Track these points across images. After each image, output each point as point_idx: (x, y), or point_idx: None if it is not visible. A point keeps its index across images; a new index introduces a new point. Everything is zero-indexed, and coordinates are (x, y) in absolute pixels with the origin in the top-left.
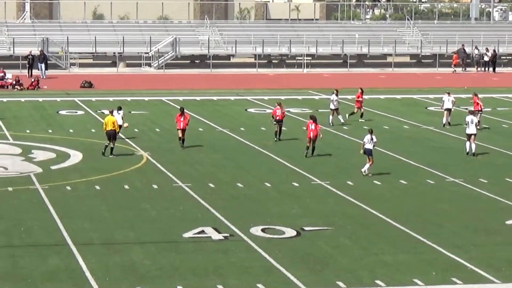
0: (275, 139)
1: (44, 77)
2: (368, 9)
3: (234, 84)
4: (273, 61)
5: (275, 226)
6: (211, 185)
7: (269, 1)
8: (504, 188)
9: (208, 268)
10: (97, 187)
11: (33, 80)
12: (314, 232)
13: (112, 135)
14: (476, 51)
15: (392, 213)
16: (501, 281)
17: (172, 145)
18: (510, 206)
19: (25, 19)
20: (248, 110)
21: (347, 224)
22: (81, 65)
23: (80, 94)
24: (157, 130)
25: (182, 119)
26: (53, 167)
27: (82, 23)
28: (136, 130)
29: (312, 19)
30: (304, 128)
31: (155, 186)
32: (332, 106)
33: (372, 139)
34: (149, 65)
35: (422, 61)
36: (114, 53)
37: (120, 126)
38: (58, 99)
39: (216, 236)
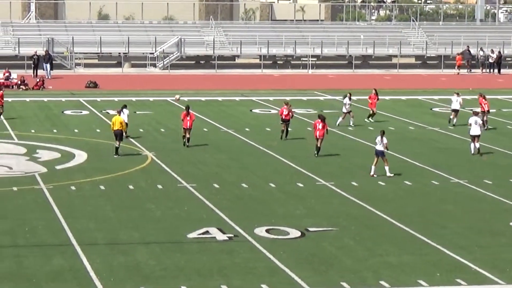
0: (284, 138)
1: (49, 77)
2: (373, 10)
3: (239, 84)
4: (278, 62)
5: (279, 227)
6: (216, 185)
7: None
8: (509, 189)
9: (212, 269)
10: (102, 187)
11: (38, 80)
12: (318, 233)
13: (119, 135)
14: (481, 53)
15: (396, 214)
16: (506, 282)
17: (177, 145)
18: None
19: (30, 19)
20: (253, 110)
21: (352, 225)
22: (86, 65)
23: (85, 94)
24: (162, 130)
25: (188, 118)
26: (58, 167)
27: (87, 23)
28: (141, 130)
29: (317, 20)
30: (310, 128)
31: (159, 186)
32: (344, 110)
33: (382, 140)
34: (154, 65)
35: (427, 62)
36: (119, 53)
37: (126, 124)
38: (63, 99)
39: (220, 236)
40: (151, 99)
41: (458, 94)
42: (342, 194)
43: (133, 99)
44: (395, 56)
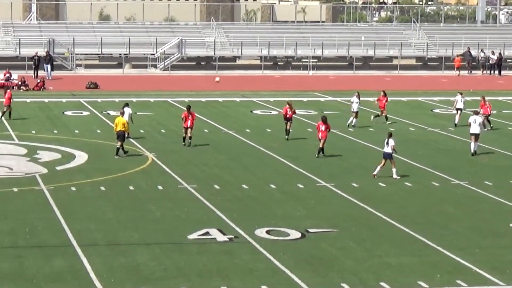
0: (286, 137)
1: (50, 78)
2: (374, 12)
3: (240, 86)
4: (279, 63)
5: (279, 228)
6: (216, 186)
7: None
8: (509, 191)
9: (212, 270)
10: (102, 188)
11: (39, 81)
12: (318, 234)
13: (121, 136)
14: (482, 54)
15: (396, 215)
16: (506, 284)
17: (177, 146)
18: None
19: (31, 20)
20: (253, 111)
21: (352, 226)
22: (87, 66)
23: (85, 95)
24: (163, 131)
25: (190, 118)
26: (58, 168)
27: (88, 24)
28: (141, 131)
29: (318, 21)
30: (310, 129)
31: (160, 187)
32: (353, 109)
33: (388, 143)
34: (155, 66)
35: (428, 63)
36: (120, 54)
37: (128, 123)
38: (64, 100)
39: (220, 237)
40: (151, 100)
41: (462, 94)
42: (342, 195)
43: (134, 100)
44: (396, 57)
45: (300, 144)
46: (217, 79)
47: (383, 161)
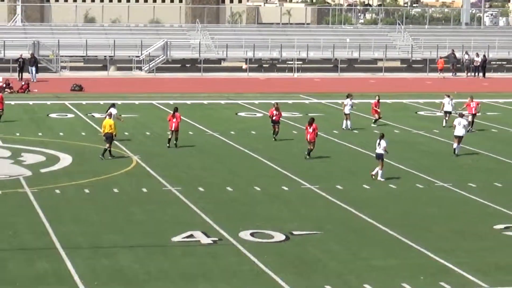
0: (274, 137)
1: (35, 80)
2: (359, 14)
3: (225, 88)
4: (264, 65)
5: (264, 230)
6: (201, 188)
7: (260, 5)
8: (493, 193)
9: (196, 272)
10: (87, 191)
11: (23, 83)
12: (303, 236)
13: (109, 138)
14: (466, 56)
15: (381, 217)
16: (489, 286)
17: (162, 149)
18: (499, 210)
19: (16, 22)
20: (238, 114)
21: (336, 228)
22: (72, 69)
23: (70, 98)
24: (148, 133)
25: (174, 120)
26: (43, 170)
27: (73, 26)
28: (126, 133)
29: (304, 24)
30: (295, 132)
31: (144, 190)
32: (347, 111)
33: (379, 144)
34: (140, 68)
35: (413, 65)
36: (105, 56)
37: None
38: (49, 102)
39: (205, 240)
40: (136, 102)
41: (449, 96)
42: (327, 197)
43: (119, 102)
44: (381, 59)
45: (285, 146)
46: (244, 66)
47: (380, 163)
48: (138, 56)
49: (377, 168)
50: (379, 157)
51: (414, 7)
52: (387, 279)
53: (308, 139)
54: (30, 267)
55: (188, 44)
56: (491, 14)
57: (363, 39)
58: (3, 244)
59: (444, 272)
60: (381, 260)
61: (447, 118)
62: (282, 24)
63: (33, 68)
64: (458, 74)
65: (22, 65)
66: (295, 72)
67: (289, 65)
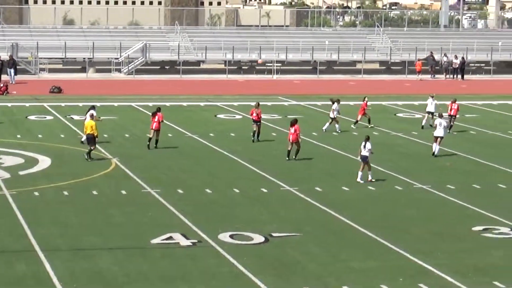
0: (252, 139)
1: (13, 82)
2: (338, 16)
3: (204, 90)
4: (243, 67)
5: (243, 232)
6: (180, 190)
7: (239, 8)
8: (471, 195)
9: (176, 274)
10: (65, 193)
11: (1, 85)
12: (282, 238)
13: (90, 139)
14: (445, 58)
15: (360, 219)
16: (468, 287)
17: (141, 151)
18: (477, 212)
19: None
20: (217, 116)
21: (316, 230)
22: (51, 71)
23: (49, 99)
24: (127, 135)
25: (155, 120)
26: (21, 173)
27: (52, 29)
28: (105, 135)
29: (283, 26)
30: (274, 134)
31: (123, 192)
32: (332, 115)
33: (365, 146)
34: (119, 70)
35: (392, 68)
36: (84, 58)
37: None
38: (27, 104)
39: (184, 242)
40: (115, 104)
41: (433, 97)
42: (306, 199)
43: (98, 104)
44: (360, 61)
45: (264, 148)
46: (260, 61)
47: (361, 165)
48: (117, 58)
49: (360, 174)
50: (364, 159)
51: (393, 9)
52: (366, 281)
53: (291, 140)
54: (9, 270)
55: (167, 46)
56: (470, 17)
57: (342, 41)
58: None
59: (423, 274)
60: (361, 262)
61: (429, 117)
62: (261, 26)
63: (12, 70)
64: (436, 76)
65: (0, 67)
66: (274, 74)
67: (268, 67)
